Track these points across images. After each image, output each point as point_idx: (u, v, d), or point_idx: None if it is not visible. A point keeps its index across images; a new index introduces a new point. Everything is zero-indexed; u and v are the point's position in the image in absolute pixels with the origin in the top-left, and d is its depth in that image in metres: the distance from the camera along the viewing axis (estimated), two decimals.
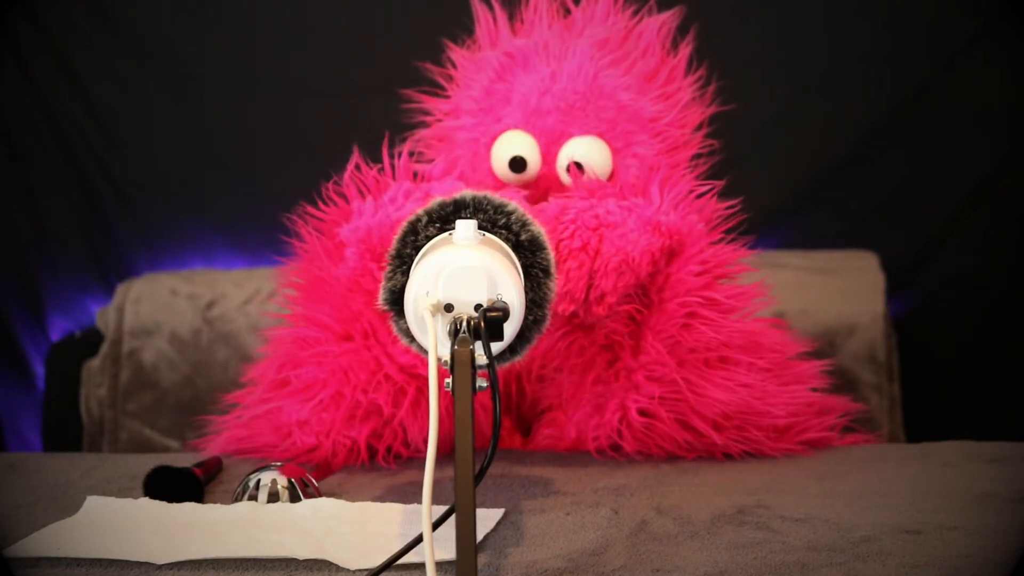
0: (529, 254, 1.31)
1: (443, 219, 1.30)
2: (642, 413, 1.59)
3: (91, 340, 2.39)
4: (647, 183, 1.63)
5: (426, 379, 1.49)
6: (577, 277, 1.54)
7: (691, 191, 1.64)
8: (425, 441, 1.59)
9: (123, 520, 1.32)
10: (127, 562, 1.20)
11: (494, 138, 1.73)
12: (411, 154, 1.74)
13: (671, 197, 1.61)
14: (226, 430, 1.67)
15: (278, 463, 1.44)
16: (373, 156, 1.69)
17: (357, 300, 1.61)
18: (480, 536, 1.27)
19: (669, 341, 1.58)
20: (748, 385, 1.59)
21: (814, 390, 1.66)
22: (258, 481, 1.39)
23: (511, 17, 1.80)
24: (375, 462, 1.61)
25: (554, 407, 1.68)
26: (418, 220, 1.31)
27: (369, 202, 1.59)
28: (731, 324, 1.60)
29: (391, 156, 1.66)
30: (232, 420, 1.68)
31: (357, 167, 1.64)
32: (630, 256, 1.54)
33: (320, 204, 1.66)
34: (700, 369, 1.59)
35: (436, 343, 1.18)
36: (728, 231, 1.65)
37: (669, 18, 1.76)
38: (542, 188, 1.71)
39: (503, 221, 1.31)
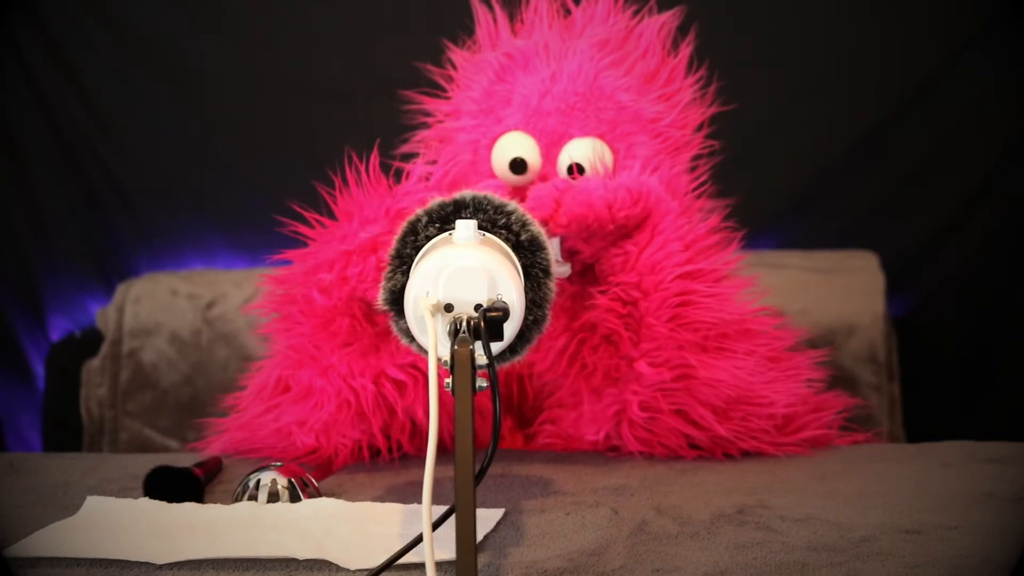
0: (529, 254, 1.31)
1: (443, 219, 1.30)
2: (644, 408, 1.59)
3: (91, 340, 2.40)
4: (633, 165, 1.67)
5: (426, 372, 1.49)
6: (547, 199, 1.58)
7: (682, 178, 1.67)
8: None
9: (123, 520, 1.32)
10: (127, 562, 1.20)
11: (494, 139, 1.73)
12: (406, 156, 1.74)
13: (656, 176, 1.65)
14: (226, 432, 1.67)
15: (278, 463, 1.44)
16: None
17: (336, 328, 1.60)
18: (480, 536, 1.27)
19: (669, 321, 1.58)
20: (745, 371, 1.59)
21: (812, 382, 1.66)
22: (258, 481, 1.39)
23: (511, 18, 1.80)
24: (375, 462, 1.61)
25: (556, 406, 1.68)
26: (418, 220, 1.31)
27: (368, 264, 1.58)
28: (727, 295, 1.61)
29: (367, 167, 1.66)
30: (231, 422, 1.68)
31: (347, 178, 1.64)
32: (608, 185, 1.59)
33: (309, 228, 1.64)
34: (698, 354, 1.59)
35: (436, 343, 1.19)
36: (723, 228, 1.66)
37: (669, 18, 1.76)
38: None
39: (503, 221, 1.31)
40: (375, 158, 1.61)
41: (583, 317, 1.62)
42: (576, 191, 1.59)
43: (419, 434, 1.62)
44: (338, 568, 1.19)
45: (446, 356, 1.17)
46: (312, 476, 1.43)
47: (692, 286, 1.59)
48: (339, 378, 1.59)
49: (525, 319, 1.28)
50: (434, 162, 1.75)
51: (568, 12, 1.78)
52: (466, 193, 1.32)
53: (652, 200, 1.61)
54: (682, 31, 1.76)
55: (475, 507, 1.04)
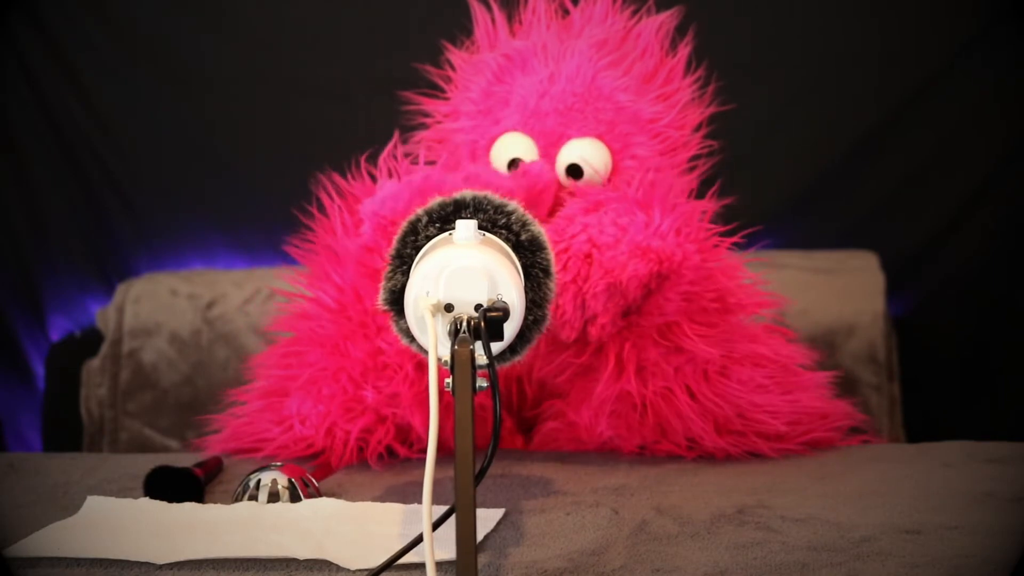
0: (529, 254, 1.31)
1: (443, 219, 1.30)
2: (639, 410, 1.59)
3: (91, 340, 2.40)
4: (651, 199, 1.61)
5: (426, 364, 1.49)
6: (573, 307, 1.54)
7: (694, 212, 1.62)
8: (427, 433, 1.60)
9: (123, 520, 1.32)
10: (127, 562, 1.20)
11: (493, 140, 1.73)
12: (407, 156, 1.74)
13: (672, 219, 1.58)
14: (227, 427, 1.68)
15: (278, 463, 1.44)
16: (370, 157, 1.70)
17: (362, 278, 1.61)
18: (480, 536, 1.27)
19: (643, 368, 1.59)
20: (744, 393, 1.59)
21: (818, 395, 1.66)
22: (258, 481, 1.39)
23: (509, 19, 1.79)
24: (374, 464, 1.61)
25: (556, 404, 1.68)
26: (418, 220, 1.31)
27: (393, 181, 1.61)
28: (726, 336, 1.60)
29: (401, 157, 1.68)
30: (235, 411, 1.68)
31: (394, 155, 1.65)
32: (618, 280, 1.53)
33: (348, 177, 1.67)
34: (696, 382, 1.59)
35: (436, 343, 1.19)
36: (727, 233, 1.65)
37: (668, 18, 1.76)
38: None
39: (503, 221, 1.31)
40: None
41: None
42: (589, 299, 1.54)
43: (414, 443, 1.63)
44: (338, 568, 1.19)
45: (446, 356, 1.17)
46: (312, 476, 1.43)
47: (679, 332, 1.59)
48: (338, 354, 1.60)
49: (525, 319, 1.28)
50: (433, 162, 1.74)
51: (566, 13, 1.78)
52: (466, 193, 1.32)
53: (665, 267, 1.56)
54: (680, 31, 1.76)
55: (475, 507, 1.04)
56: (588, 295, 1.54)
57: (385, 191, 1.58)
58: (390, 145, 1.69)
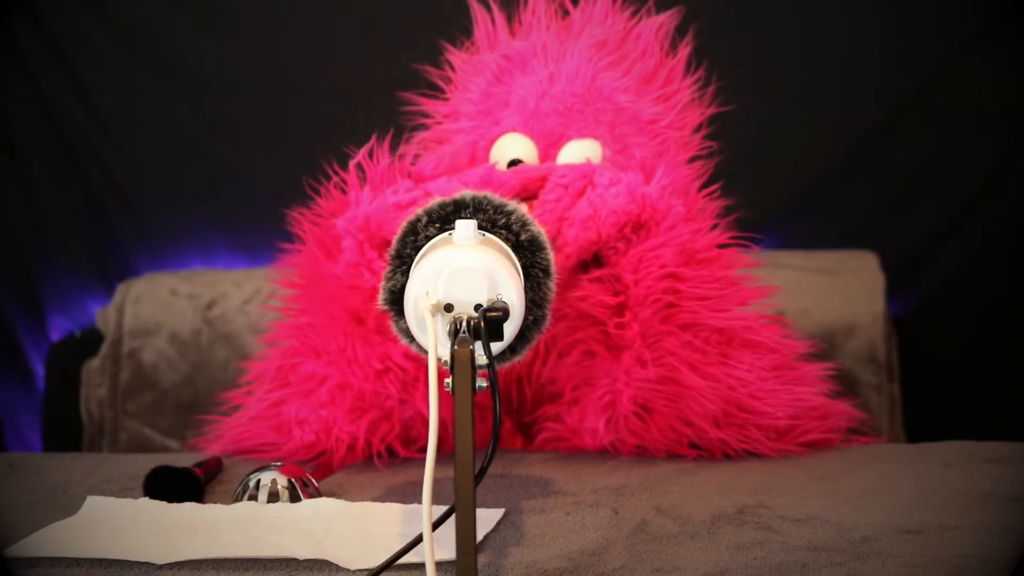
0: (529, 254, 1.31)
1: (443, 219, 1.30)
2: (634, 401, 1.59)
3: (91, 340, 2.40)
4: (656, 165, 1.64)
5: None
6: (550, 220, 1.57)
7: (693, 179, 1.65)
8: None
9: (123, 520, 1.32)
10: (127, 562, 1.20)
11: (493, 141, 1.73)
12: (402, 156, 1.74)
13: (669, 181, 1.61)
14: (227, 430, 1.68)
15: (278, 463, 1.44)
16: (370, 157, 1.69)
17: (356, 297, 1.60)
18: (480, 536, 1.27)
19: (650, 328, 1.58)
20: (744, 382, 1.59)
21: (818, 392, 1.65)
22: (258, 481, 1.39)
23: (509, 19, 1.80)
24: (375, 462, 1.61)
25: (555, 406, 1.68)
26: (418, 220, 1.31)
27: (367, 191, 1.60)
28: (724, 303, 1.60)
29: (395, 156, 1.66)
30: (233, 419, 1.68)
31: (370, 153, 1.64)
32: (598, 212, 1.57)
33: (317, 197, 1.66)
34: (696, 362, 1.58)
35: (436, 343, 1.19)
36: (722, 227, 1.65)
37: (667, 19, 1.76)
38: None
39: (503, 221, 1.31)
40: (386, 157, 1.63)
41: (575, 308, 1.62)
42: (566, 225, 1.58)
43: (415, 441, 1.63)
44: (338, 568, 1.19)
45: (446, 356, 1.17)
46: (312, 476, 1.43)
47: (679, 288, 1.59)
48: (344, 362, 1.59)
49: (525, 319, 1.28)
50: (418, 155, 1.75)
51: (566, 13, 1.78)
52: (466, 193, 1.32)
53: (647, 214, 1.59)
54: (680, 32, 1.76)
55: (475, 507, 1.04)
56: (565, 221, 1.57)
57: (364, 206, 1.58)
58: (362, 152, 1.66)
